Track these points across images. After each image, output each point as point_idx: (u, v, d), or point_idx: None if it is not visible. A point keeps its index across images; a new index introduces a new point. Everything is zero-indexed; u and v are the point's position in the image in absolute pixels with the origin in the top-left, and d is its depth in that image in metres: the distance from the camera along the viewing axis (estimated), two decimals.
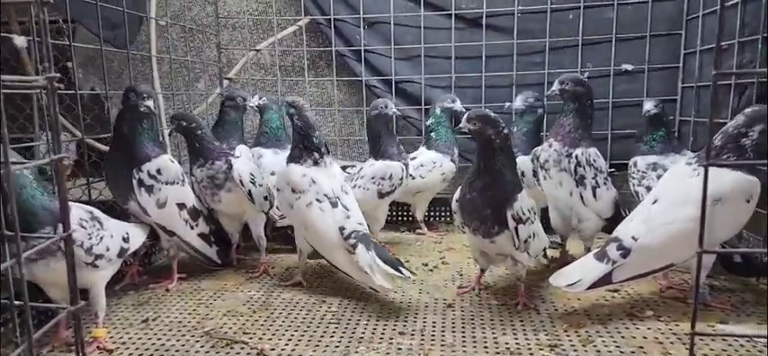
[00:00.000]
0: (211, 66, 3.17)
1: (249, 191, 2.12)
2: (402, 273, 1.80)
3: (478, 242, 1.81)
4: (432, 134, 2.62)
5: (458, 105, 2.60)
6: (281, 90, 3.10)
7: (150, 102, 1.91)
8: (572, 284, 1.67)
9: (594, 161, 2.04)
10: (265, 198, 2.18)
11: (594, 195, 2.04)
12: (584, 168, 2.01)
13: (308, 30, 3.05)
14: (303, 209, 1.93)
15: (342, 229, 1.89)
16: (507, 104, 2.81)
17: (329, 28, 2.90)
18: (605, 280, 1.66)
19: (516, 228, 1.69)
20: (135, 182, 1.90)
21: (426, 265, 2.21)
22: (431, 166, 2.56)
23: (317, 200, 1.93)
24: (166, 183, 1.96)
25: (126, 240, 1.79)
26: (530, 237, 1.73)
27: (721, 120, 2.01)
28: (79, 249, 1.54)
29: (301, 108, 1.98)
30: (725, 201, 1.58)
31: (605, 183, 2.08)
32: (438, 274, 2.12)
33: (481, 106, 2.82)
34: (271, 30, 3.07)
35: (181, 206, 2.03)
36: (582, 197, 2.04)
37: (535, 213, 1.78)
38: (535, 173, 2.19)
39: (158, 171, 1.93)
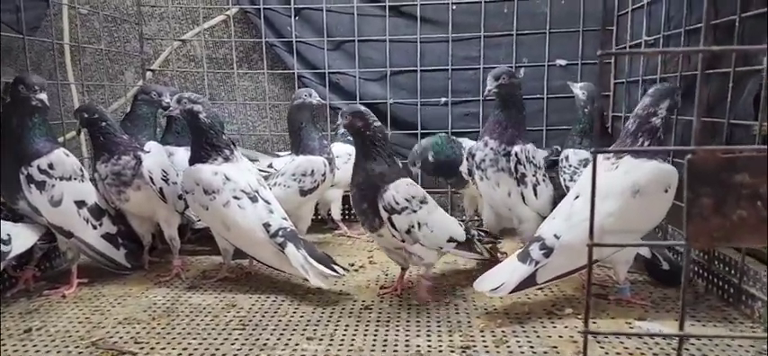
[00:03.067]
0: (136, 57, 2.98)
1: (160, 188, 1.97)
2: (335, 271, 1.76)
3: (374, 237, 1.76)
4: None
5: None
6: (209, 82, 2.95)
7: (43, 95, 1.75)
8: (495, 288, 1.60)
9: (533, 157, 1.99)
10: (180, 197, 2.03)
11: (535, 193, 1.98)
12: (524, 166, 1.95)
13: (239, 20, 2.91)
14: (220, 209, 1.81)
15: (267, 226, 1.80)
16: (443, 100, 2.75)
17: (259, 18, 2.77)
18: (529, 281, 1.60)
19: (390, 219, 1.65)
20: (23, 178, 1.73)
21: (352, 265, 2.11)
22: (346, 158, 2.42)
23: (235, 197, 1.81)
24: (61, 179, 1.79)
25: (6, 242, 1.62)
26: (414, 227, 1.67)
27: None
28: None
29: (206, 104, 1.86)
30: (643, 193, 1.54)
31: (544, 180, 2.03)
32: (362, 275, 2.02)
33: (417, 101, 2.75)
34: (200, 20, 2.91)
35: (80, 204, 1.86)
36: (523, 196, 1.97)
37: (424, 202, 1.71)
38: (470, 173, 2.11)
39: (50, 165, 1.77)
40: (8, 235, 1.64)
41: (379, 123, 1.73)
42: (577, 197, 1.68)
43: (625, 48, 2.38)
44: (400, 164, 1.76)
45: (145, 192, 1.98)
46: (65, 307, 1.75)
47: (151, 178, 1.95)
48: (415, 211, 1.67)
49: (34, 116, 1.77)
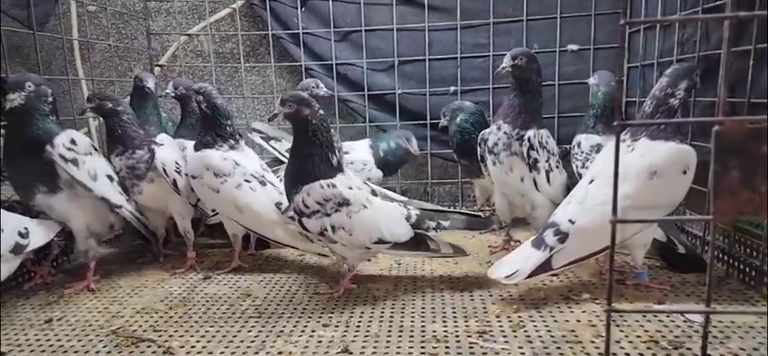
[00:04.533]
0: (144, 53, 2.99)
1: (174, 180, 1.98)
2: None
3: None
4: (382, 147, 2.47)
5: (413, 145, 2.47)
6: (217, 78, 2.95)
7: (14, 95, 1.70)
8: (510, 275, 1.58)
9: (547, 143, 1.96)
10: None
11: (548, 180, 1.95)
12: (537, 151, 1.92)
13: (245, 14, 2.91)
14: (233, 191, 1.86)
15: (279, 205, 1.87)
16: (452, 89, 2.73)
17: (265, 10, 2.76)
18: (544, 267, 1.58)
19: (300, 221, 1.67)
20: (59, 159, 1.71)
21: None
22: (361, 166, 2.40)
23: (246, 180, 1.87)
24: (86, 154, 1.81)
25: (23, 236, 1.63)
26: (326, 230, 1.64)
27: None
28: None
29: (210, 95, 1.89)
30: (661, 174, 1.52)
31: (557, 166, 2.00)
32: (375, 264, 2.01)
33: (425, 91, 2.73)
34: (206, 15, 2.91)
35: (110, 178, 1.90)
36: (535, 182, 1.95)
37: (343, 204, 1.64)
38: (482, 158, 2.09)
39: (73, 141, 1.78)
40: (26, 228, 1.65)
41: (323, 112, 1.66)
42: (592, 181, 1.66)
43: (639, 31, 2.34)
44: (336, 161, 1.68)
45: (158, 185, 1.98)
46: (84, 298, 1.77)
47: (164, 170, 1.96)
48: (328, 215, 1.63)
49: (36, 111, 1.73)
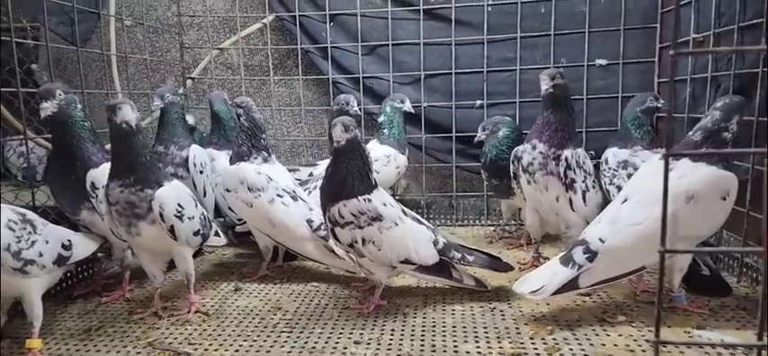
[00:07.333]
0: (176, 66, 3.06)
1: (172, 226, 1.64)
2: None
3: None
4: (384, 130, 2.50)
5: (407, 105, 2.50)
6: (246, 90, 3.00)
7: (47, 103, 1.71)
8: (536, 291, 1.56)
9: (584, 163, 1.94)
10: (196, 232, 1.76)
11: (584, 200, 1.93)
12: (575, 171, 1.90)
13: (274, 28, 2.97)
14: (266, 206, 1.91)
15: (310, 222, 1.93)
16: (479, 102, 2.73)
17: (294, 25, 2.81)
18: (571, 285, 1.56)
19: (333, 230, 1.69)
20: (96, 201, 1.76)
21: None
22: (385, 161, 2.44)
23: (279, 195, 1.93)
24: None
25: (67, 248, 1.67)
26: (356, 242, 1.66)
27: (698, 116, 1.94)
28: (5, 253, 1.43)
29: (249, 108, 1.96)
30: (699, 199, 1.48)
31: (594, 187, 1.97)
32: (403, 279, 2.02)
33: (451, 104, 2.74)
34: (237, 29, 2.97)
35: None
36: (571, 202, 1.93)
37: (376, 219, 1.65)
38: (515, 176, 2.08)
39: None
40: (69, 240, 1.69)
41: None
42: (625, 201, 1.64)
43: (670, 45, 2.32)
44: (373, 180, 1.71)
45: (163, 227, 1.66)
46: (119, 309, 1.81)
47: (161, 214, 1.62)
48: (360, 227, 1.66)
49: (72, 119, 1.75)
